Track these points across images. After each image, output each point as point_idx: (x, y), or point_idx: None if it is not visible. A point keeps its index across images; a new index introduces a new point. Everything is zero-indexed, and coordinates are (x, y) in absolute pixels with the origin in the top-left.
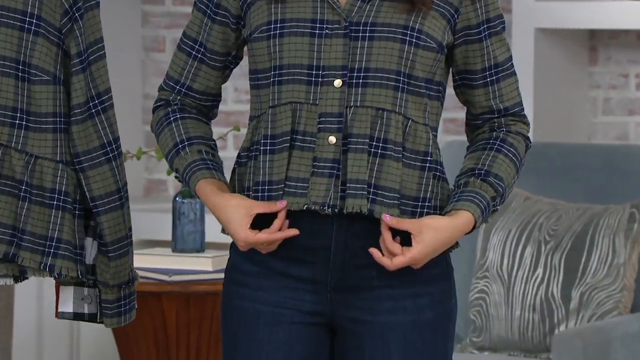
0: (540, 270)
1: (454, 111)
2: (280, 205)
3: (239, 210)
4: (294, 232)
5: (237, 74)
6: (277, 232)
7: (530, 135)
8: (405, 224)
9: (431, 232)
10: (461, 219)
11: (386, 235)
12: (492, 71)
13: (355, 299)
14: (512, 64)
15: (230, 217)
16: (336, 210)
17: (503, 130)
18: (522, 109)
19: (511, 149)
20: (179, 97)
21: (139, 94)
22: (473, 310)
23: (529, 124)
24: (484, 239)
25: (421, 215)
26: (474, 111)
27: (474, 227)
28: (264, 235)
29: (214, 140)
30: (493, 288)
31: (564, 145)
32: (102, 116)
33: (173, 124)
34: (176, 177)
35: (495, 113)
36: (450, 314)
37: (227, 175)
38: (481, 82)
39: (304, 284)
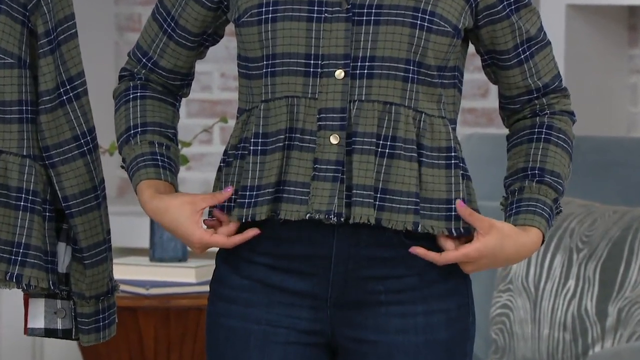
0: (571, 283)
1: (472, 100)
2: (226, 192)
3: (184, 208)
4: (254, 232)
5: (224, 57)
6: (236, 236)
7: None
8: (475, 218)
9: (497, 236)
10: (530, 236)
11: (443, 243)
12: (525, 46)
13: (359, 316)
14: (544, 32)
15: (176, 219)
16: (342, 219)
17: (547, 114)
18: (561, 81)
19: (560, 134)
20: (144, 71)
21: (111, 80)
22: (495, 328)
23: (569, 95)
24: None
25: (457, 218)
26: (508, 93)
27: (542, 243)
28: (221, 239)
29: (174, 129)
30: (518, 302)
31: (600, 139)
32: (75, 104)
33: (130, 103)
34: (122, 166)
35: (534, 92)
36: (468, 333)
37: (213, 174)
38: (515, 60)
39: (301, 299)
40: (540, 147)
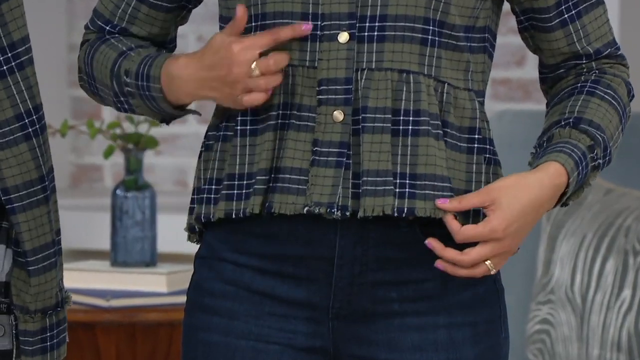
0: (627, 293)
1: (505, 68)
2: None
3: (228, 36)
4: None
5: (202, 16)
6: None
7: None
8: (468, 200)
9: (509, 192)
10: (546, 170)
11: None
12: (570, 4)
13: (368, 329)
14: None
15: (217, 48)
16: (347, 214)
17: (595, 73)
18: (618, 48)
19: (608, 90)
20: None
21: (62, 46)
22: (533, 348)
23: (628, 67)
24: (548, 248)
25: (476, 215)
26: (552, 61)
27: (567, 185)
28: (258, 39)
29: None
30: (561, 317)
31: None
32: (18, 75)
33: (112, 40)
34: (125, 86)
35: (583, 59)
36: (500, 351)
37: (187, 160)
38: (557, 21)
39: (297, 309)
40: (581, 99)
